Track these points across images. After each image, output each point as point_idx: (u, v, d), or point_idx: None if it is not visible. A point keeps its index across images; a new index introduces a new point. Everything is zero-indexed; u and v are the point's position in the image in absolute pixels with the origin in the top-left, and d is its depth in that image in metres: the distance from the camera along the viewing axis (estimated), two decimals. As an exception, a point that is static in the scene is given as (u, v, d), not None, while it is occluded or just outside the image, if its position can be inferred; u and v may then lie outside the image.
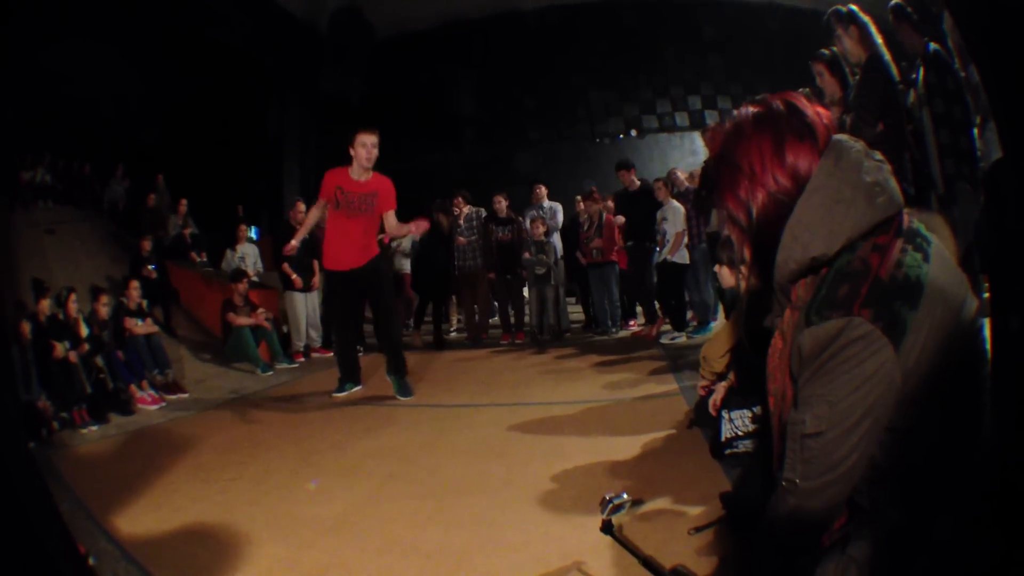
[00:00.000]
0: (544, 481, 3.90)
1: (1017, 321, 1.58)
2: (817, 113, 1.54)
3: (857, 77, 4.99)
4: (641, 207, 9.25)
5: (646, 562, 2.22)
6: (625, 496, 2.32)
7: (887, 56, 4.84)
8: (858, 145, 1.50)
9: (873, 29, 4.90)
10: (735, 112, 1.63)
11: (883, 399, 1.37)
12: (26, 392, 6.11)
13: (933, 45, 4.81)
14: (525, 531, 3.27)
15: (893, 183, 1.48)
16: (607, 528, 2.37)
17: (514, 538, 3.20)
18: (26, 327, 6.47)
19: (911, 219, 1.51)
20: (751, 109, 1.59)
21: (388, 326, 6.52)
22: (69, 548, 1.88)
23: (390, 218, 6.30)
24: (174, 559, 3.32)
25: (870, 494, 1.48)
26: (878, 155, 1.51)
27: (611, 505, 2.29)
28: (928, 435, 1.43)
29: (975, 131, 4.72)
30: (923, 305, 1.37)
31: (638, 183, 9.50)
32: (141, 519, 3.84)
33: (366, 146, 6.15)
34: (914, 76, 4.90)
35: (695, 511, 3.25)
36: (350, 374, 6.77)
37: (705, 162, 8.08)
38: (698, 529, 2.98)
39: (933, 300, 1.38)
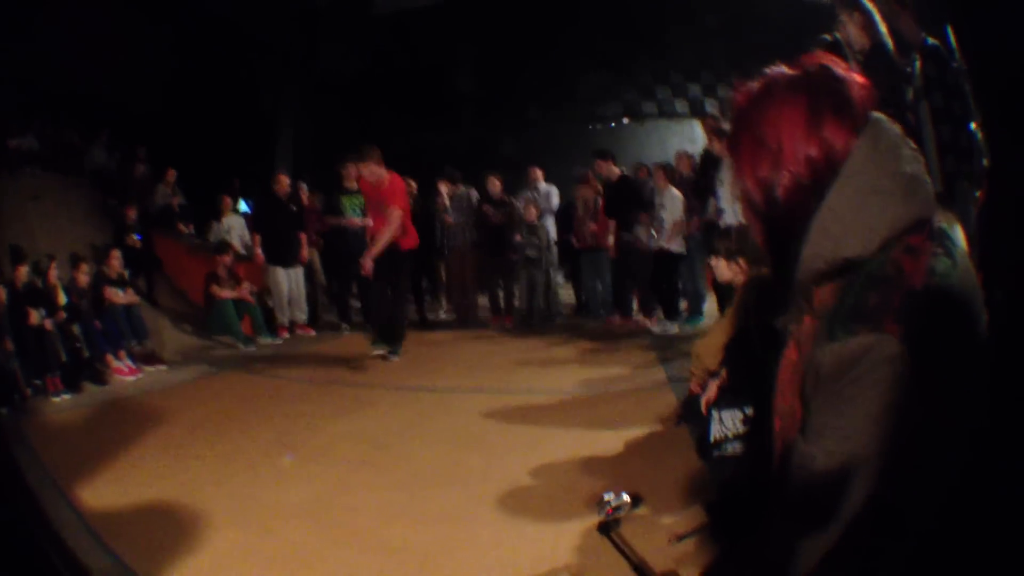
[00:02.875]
0: (520, 476, 3.79)
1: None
2: (857, 83, 1.30)
3: (859, 66, 4.85)
4: (621, 198, 9.09)
5: (638, 569, 2.21)
6: (625, 498, 2.20)
7: (891, 46, 4.74)
8: (896, 128, 1.29)
9: (877, 17, 4.77)
10: (766, 70, 1.37)
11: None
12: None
13: (931, 40, 4.64)
14: (496, 530, 3.15)
15: (928, 178, 1.27)
16: (605, 529, 2.27)
17: (484, 537, 3.09)
18: (2, 293, 6.33)
19: (940, 217, 1.29)
20: (784, 70, 1.34)
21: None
22: (35, 516, 1.88)
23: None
24: (133, 535, 3.27)
25: None
26: (912, 143, 1.30)
27: (608, 507, 2.19)
28: (944, 460, 1.21)
29: (973, 127, 4.57)
30: (952, 320, 1.19)
31: (617, 173, 9.29)
32: (104, 492, 3.82)
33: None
34: (910, 70, 4.75)
35: (678, 517, 3.12)
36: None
37: (704, 149, 7.92)
38: (680, 537, 2.81)
39: (961, 313, 1.20)
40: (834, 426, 1.19)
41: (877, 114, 1.29)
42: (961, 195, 4.39)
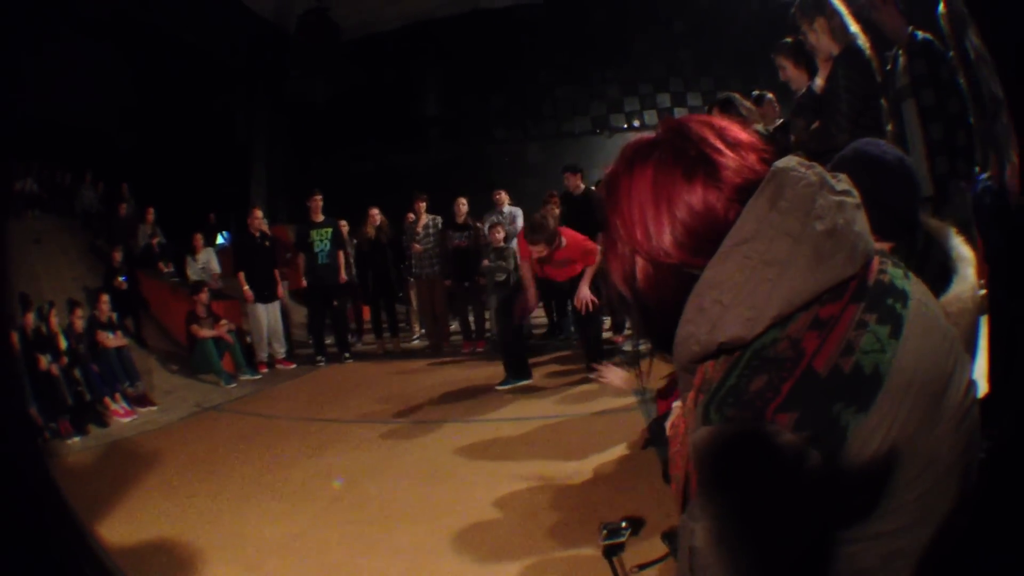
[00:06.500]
0: (486, 508, 4.00)
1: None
2: (728, 141, 1.08)
3: (827, 75, 4.36)
4: (580, 214, 9.08)
5: None
6: (624, 525, 2.29)
7: (866, 49, 4.22)
8: (811, 175, 1.04)
9: (848, 18, 4.24)
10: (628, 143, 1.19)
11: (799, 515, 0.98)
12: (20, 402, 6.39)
13: (920, 33, 4.22)
14: (460, 563, 3.42)
15: (860, 225, 1.04)
16: (608, 553, 2.31)
17: (449, 570, 3.37)
18: (15, 339, 6.71)
19: (884, 266, 1.07)
20: (633, 141, 1.16)
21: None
22: (83, 544, 2.09)
23: None
24: (145, 570, 3.68)
25: None
26: (843, 182, 1.07)
27: (606, 531, 2.28)
28: (886, 539, 1.00)
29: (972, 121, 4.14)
30: (880, 404, 0.94)
31: (582, 187, 9.43)
32: (116, 529, 4.22)
33: None
34: (890, 67, 4.36)
35: (642, 544, 2.96)
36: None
37: None
38: (641, 567, 2.79)
39: (897, 395, 0.95)
40: (710, 508, 1.01)
41: (783, 163, 1.07)
42: (956, 195, 4.10)
